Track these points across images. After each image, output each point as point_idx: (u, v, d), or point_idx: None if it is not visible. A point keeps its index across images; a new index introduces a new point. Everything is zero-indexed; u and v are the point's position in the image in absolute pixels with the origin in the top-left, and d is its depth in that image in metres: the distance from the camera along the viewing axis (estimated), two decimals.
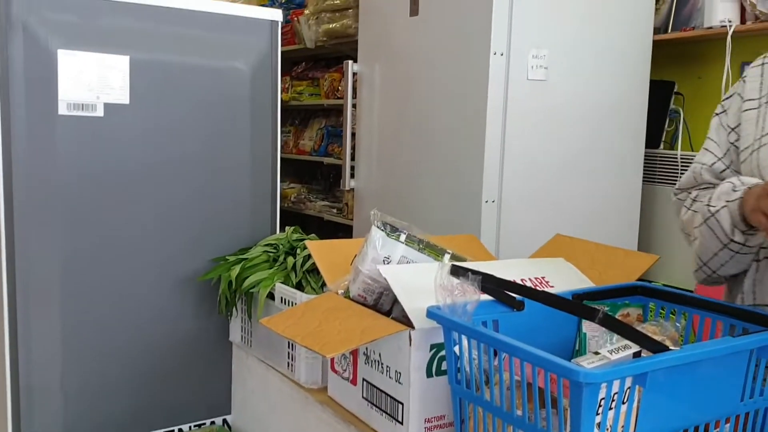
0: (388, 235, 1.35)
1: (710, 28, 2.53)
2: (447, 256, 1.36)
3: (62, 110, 1.51)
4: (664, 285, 2.68)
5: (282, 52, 4.19)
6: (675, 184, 2.71)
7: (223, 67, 1.72)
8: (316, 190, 4.28)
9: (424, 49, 2.54)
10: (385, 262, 1.32)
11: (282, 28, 4.24)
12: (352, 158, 2.97)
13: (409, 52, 2.63)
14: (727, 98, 1.40)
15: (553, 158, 2.46)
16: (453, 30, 2.41)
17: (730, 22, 2.48)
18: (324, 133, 4.11)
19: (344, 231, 3.78)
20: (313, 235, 1.77)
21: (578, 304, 1.02)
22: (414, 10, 2.56)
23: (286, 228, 1.80)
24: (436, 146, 2.51)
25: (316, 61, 4.32)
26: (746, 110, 1.32)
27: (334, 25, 3.59)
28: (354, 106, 2.94)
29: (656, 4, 2.69)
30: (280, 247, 1.69)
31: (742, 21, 2.49)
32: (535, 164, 2.42)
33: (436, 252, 1.36)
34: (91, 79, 1.53)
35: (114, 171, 1.60)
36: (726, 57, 2.52)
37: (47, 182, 1.53)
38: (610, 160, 2.61)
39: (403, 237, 1.36)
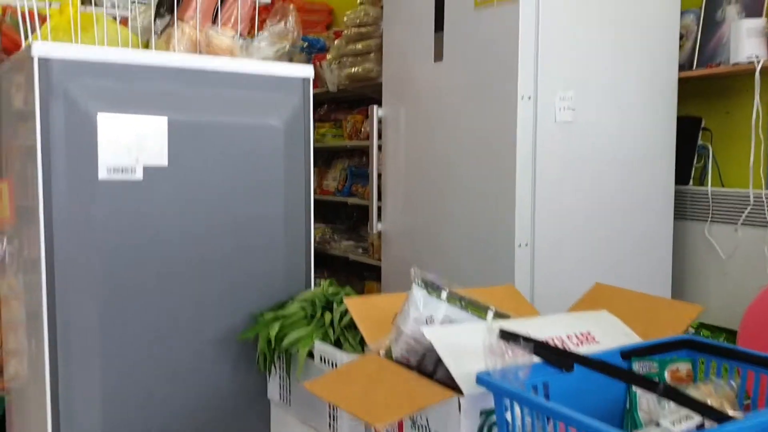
0: (429, 293, 1.34)
1: (737, 64, 2.52)
2: (490, 314, 1.34)
3: (102, 175, 1.53)
4: (701, 324, 2.65)
5: None
6: (706, 219, 2.72)
7: (257, 124, 1.73)
8: (341, 230, 4.28)
9: (450, 93, 2.56)
10: (428, 322, 1.31)
11: None
12: (379, 200, 2.97)
13: (434, 97, 2.64)
14: None
15: (584, 199, 2.45)
16: (479, 74, 2.42)
17: (757, 57, 2.47)
18: (347, 174, 4.13)
19: (370, 270, 3.78)
20: (348, 288, 1.77)
21: (638, 376, 1.01)
22: (438, 55, 2.58)
23: (321, 282, 1.80)
24: (465, 190, 2.51)
25: (339, 103, 4.36)
26: None
27: (356, 69, 3.62)
28: (379, 148, 2.95)
29: (680, 40, 2.69)
30: (317, 302, 1.69)
31: None
32: (566, 206, 2.41)
33: (479, 310, 1.34)
34: (130, 142, 1.55)
35: (153, 232, 1.61)
36: (755, 92, 2.51)
37: (87, 245, 1.54)
38: (640, 199, 2.60)
39: (444, 295, 1.35)
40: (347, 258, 3.94)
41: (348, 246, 3.97)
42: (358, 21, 3.59)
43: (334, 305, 1.66)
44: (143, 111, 1.57)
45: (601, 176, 2.48)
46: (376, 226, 2.95)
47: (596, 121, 2.45)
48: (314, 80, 4.08)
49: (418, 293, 1.33)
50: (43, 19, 1.81)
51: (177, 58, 1.66)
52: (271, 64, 1.74)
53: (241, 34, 1.85)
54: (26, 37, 1.73)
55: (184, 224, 1.65)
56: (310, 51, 4.37)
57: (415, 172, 2.78)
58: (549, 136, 2.34)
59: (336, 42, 3.87)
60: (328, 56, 3.94)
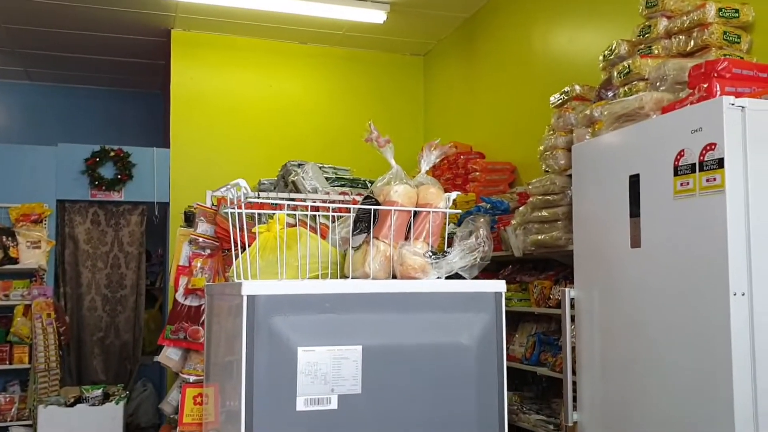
0: None
1: None
2: None
3: (300, 406, 1.56)
4: None
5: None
6: None
7: (448, 344, 1.70)
8: (530, 399, 4.08)
9: (650, 282, 2.39)
10: None
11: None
12: (574, 390, 2.79)
13: (633, 284, 2.48)
14: None
15: None
16: (682, 266, 2.25)
17: None
18: (536, 341, 3.97)
19: None
20: None
21: None
22: (636, 242, 2.45)
23: None
24: (674, 389, 2.28)
25: (524, 264, 4.29)
26: None
27: (543, 236, 3.56)
28: (572, 318, 2.80)
29: None
30: None
31: None
32: None
33: None
34: (327, 372, 1.58)
35: None
36: None
37: None
38: None
39: None
40: None
41: (538, 421, 3.75)
42: (543, 189, 3.57)
43: None
44: (340, 341, 1.60)
45: None
46: (572, 416, 2.76)
47: None
48: (497, 244, 4.09)
49: None
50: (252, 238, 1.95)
51: (371, 285, 1.69)
52: (463, 283, 1.72)
53: (432, 247, 1.86)
54: (242, 250, 1.85)
55: None
56: (494, 213, 4.39)
57: (614, 358, 2.59)
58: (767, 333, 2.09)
59: (521, 209, 3.86)
60: (513, 222, 3.93)
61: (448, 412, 1.70)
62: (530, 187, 3.69)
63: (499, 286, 1.75)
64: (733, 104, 2.12)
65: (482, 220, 1.85)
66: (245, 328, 1.54)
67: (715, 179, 2.12)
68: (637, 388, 2.45)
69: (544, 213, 3.58)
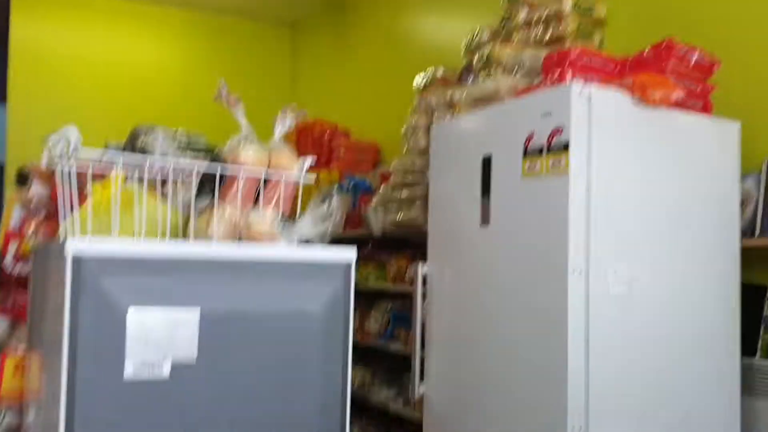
0: None
1: None
2: None
3: (128, 374, 1.46)
4: None
5: (349, 237, 4.20)
6: None
7: (293, 311, 1.66)
8: (382, 375, 4.12)
9: (497, 260, 2.47)
10: None
11: (348, 214, 4.28)
12: (422, 365, 2.83)
13: (480, 261, 2.55)
14: None
15: (642, 376, 2.28)
16: (526, 244, 2.33)
17: None
18: (390, 317, 4.02)
19: (413, 424, 3.58)
20: None
21: None
22: (485, 220, 2.51)
23: None
24: (514, 360, 2.36)
25: (383, 244, 4.31)
26: None
27: (402, 216, 3.59)
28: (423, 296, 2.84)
29: (741, 206, 2.58)
30: None
31: None
32: (622, 384, 2.24)
33: None
34: (160, 338, 1.48)
35: None
36: None
37: None
38: (703, 373, 2.42)
39: None
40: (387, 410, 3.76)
41: (387, 396, 3.79)
42: (404, 169, 3.59)
43: None
44: (176, 303, 1.51)
45: (659, 351, 2.32)
46: (418, 390, 2.80)
47: (653, 292, 2.32)
48: (358, 222, 4.10)
49: None
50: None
51: (213, 249, 1.61)
52: (311, 251, 1.68)
53: (282, 216, 1.80)
54: (71, 210, 1.71)
55: (213, 422, 1.55)
56: (356, 191, 4.38)
57: (461, 339, 2.65)
58: (603, 310, 2.21)
59: (382, 188, 3.87)
60: (374, 201, 3.94)
61: (290, 383, 1.66)
62: (392, 167, 3.71)
63: (348, 255, 1.72)
64: (581, 91, 2.21)
65: (334, 189, 1.81)
66: (69, 289, 1.42)
67: (560, 162, 2.20)
68: (481, 362, 2.52)
69: (404, 193, 3.61)
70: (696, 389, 2.39)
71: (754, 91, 2.77)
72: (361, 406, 4.07)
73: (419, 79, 3.87)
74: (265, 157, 1.86)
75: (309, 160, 1.92)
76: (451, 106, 3.33)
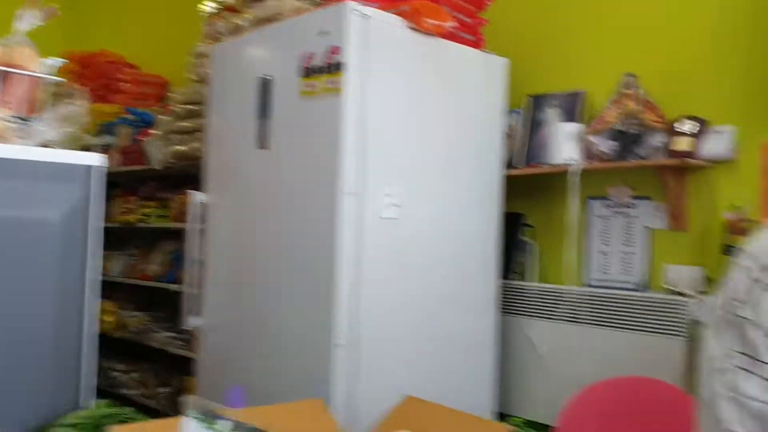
0: (204, 423, 1.16)
1: (557, 165, 2.59)
2: None
3: None
4: (528, 421, 2.60)
5: (129, 172, 3.94)
6: (528, 315, 2.71)
7: (30, 218, 1.49)
8: (162, 320, 3.95)
9: (274, 184, 2.42)
10: None
11: (129, 148, 4.01)
12: (198, 292, 2.73)
13: (260, 187, 2.49)
14: None
15: (409, 296, 2.37)
16: (303, 167, 2.31)
17: (574, 160, 2.55)
18: (173, 258, 3.85)
19: (190, 363, 3.48)
20: (128, 410, 1.53)
21: None
22: (264, 144, 2.44)
23: (96, 402, 1.54)
24: (288, 285, 2.35)
25: (165, 181, 4.10)
26: None
27: (184, 147, 3.42)
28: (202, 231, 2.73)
29: (507, 139, 2.74)
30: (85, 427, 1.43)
31: (585, 159, 2.57)
32: (391, 303, 2.31)
33: None
34: None
35: None
36: (572, 191, 2.58)
37: None
38: (466, 294, 2.56)
39: (224, 425, 1.17)
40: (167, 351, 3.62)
41: (167, 338, 3.65)
42: (187, 98, 3.41)
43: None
44: None
45: (426, 272, 2.42)
46: (190, 320, 2.71)
47: (422, 216, 2.40)
48: (139, 156, 3.85)
49: (190, 424, 1.15)
50: None
51: None
52: (49, 152, 1.52)
53: (21, 116, 1.61)
54: None
55: None
56: (138, 125, 4.11)
57: (238, 261, 2.59)
58: (373, 232, 2.25)
59: (163, 118, 3.66)
60: (154, 132, 3.71)
61: (25, 292, 1.50)
62: (175, 95, 3.51)
63: (92, 159, 1.58)
64: (357, 11, 2.20)
65: (75, 89, 1.65)
66: None
67: (336, 82, 2.19)
68: (258, 288, 2.48)
69: (186, 123, 3.44)
70: (459, 308, 2.53)
71: (523, 31, 2.94)
72: (141, 351, 3.89)
73: (208, 6, 3.68)
74: (3, 53, 1.65)
75: (55, 61, 1.73)
76: (237, 30, 3.20)
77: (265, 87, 2.44)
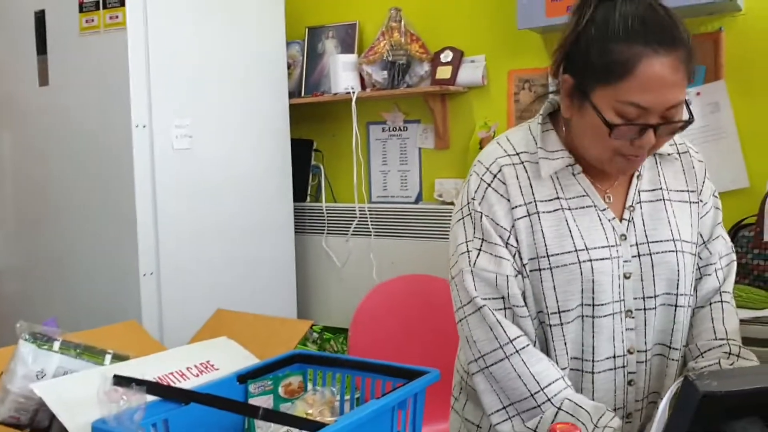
0: (39, 346, 1.26)
1: (337, 94, 2.83)
2: (108, 358, 1.31)
3: None
4: (325, 327, 2.90)
5: None
6: (322, 232, 3.00)
7: None
8: None
9: (60, 121, 2.41)
10: (39, 377, 1.23)
11: None
12: None
13: (43, 124, 2.46)
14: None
15: (208, 223, 2.51)
16: (90, 102, 2.33)
17: (353, 89, 2.80)
18: None
19: None
20: None
21: (240, 404, 1.10)
22: (44, 80, 2.41)
23: None
24: (85, 220, 2.39)
25: None
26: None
27: None
28: None
29: (289, 69, 2.92)
30: None
31: (363, 88, 2.83)
32: (190, 231, 2.44)
33: (95, 356, 1.30)
34: None
35: None
36: (353, 119, 2.84)
37: None
38: (262, 219, 2.75)
39: (57, 345, 1.28)
40: None
41: None
42: None
43: None
44: None
45: (222, 200, 2.57)
46: None
47: (214, 147, 2.53)
48: None
49: (26, 348, 1.25)
50: None
51: None
52: None
53: None
54: None
55: None
56: None
57: (27, 202, 2.56)
58: (167, 163, 2.35)
59: None
60: None
61: None
62: None
63: None
64: None
65: None
66: None
67: (117, 17, 2.22)
68: (54, 226, 2.48)
69: None
70: (257, 232, 2.72)
71: None
72: None
73: None
74: None
75: None
76: None
77: (40, 21, 2.39)
